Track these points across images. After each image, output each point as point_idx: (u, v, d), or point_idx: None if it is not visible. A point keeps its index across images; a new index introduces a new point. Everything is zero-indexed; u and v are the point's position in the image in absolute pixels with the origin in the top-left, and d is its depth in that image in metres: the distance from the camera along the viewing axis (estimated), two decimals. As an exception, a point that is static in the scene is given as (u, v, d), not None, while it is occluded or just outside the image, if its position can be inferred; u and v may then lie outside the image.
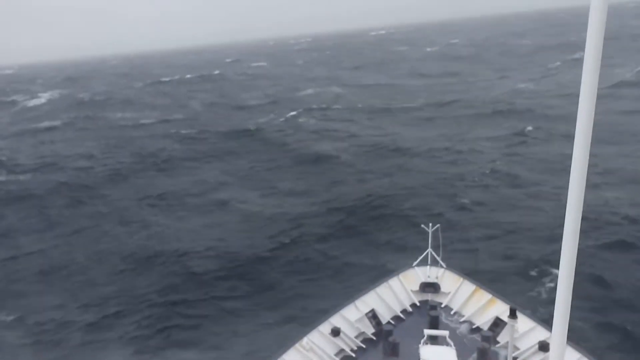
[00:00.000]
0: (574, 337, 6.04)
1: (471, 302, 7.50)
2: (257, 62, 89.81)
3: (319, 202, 16.28)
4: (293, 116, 31.53)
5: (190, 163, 22.90)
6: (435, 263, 8.04)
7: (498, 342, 6.84)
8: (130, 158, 24.19)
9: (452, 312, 7.52)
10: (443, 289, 7.81)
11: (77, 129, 35.10)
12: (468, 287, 7.66)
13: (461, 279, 7.81)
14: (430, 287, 7.82)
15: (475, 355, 6.47)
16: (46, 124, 37.54)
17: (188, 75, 69.62)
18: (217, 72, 73.40)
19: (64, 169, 23.22)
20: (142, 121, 35.74)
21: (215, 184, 19.27)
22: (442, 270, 8.01)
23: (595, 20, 1.14)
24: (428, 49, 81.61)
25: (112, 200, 18.49)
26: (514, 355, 6.06)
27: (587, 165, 1.28)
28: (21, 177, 22.25)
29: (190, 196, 18.25)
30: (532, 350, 6.54)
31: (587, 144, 1.28)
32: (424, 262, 8.08)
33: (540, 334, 6.63)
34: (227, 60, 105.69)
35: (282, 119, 30.97)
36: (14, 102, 56.86)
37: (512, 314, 5.64)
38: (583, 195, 1.26)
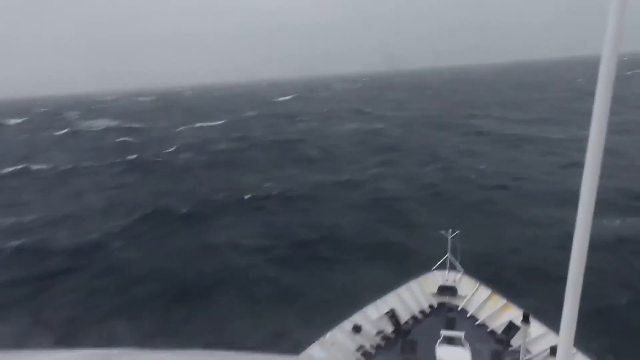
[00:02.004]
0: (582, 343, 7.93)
1: (486, 306, 9.72)
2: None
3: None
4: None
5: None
6: (453, 268, 10.42)
7: (511, 346, 8.88)
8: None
9: (467, 315, 9.73)
10: (460, 292, 10.13)
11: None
12: (484, 291, 9.94)
13: (477, 284, 10.13)
14: (448, 290, 10.15)
15: (489, 357, 8.41)
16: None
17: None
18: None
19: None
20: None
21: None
22: (460, 274, 10.39)
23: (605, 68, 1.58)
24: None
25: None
26: (525, 358, 7.77)
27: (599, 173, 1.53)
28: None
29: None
30: (544, 354, 8.51)
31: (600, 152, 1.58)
32: (442, 267, 10.50)
33: (552, 339, 8.58)
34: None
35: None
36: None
37: (525, 319, 7.72)
38: (594, 201, 1.46)
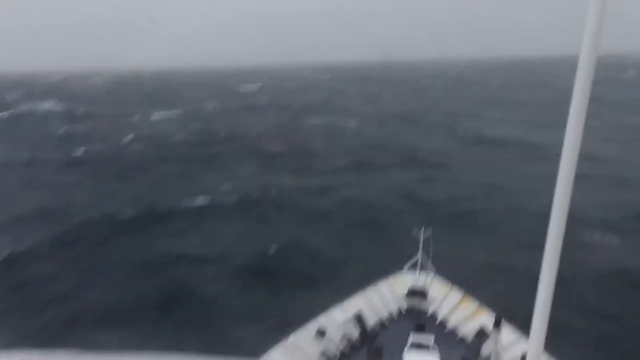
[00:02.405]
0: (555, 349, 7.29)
1: (458, 310, 9.52)
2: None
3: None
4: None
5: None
6: (424, 268, 10.23)
7: (481, 354, 8.65)
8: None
9: (438, 320, 9.50)
10: (431, 295, 9.90)
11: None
12: (455, 295, 9.74)
13: (449, 286, 9.95)
14: (418, 293, 9.89)
15: None
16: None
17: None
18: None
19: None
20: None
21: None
22: (431, 276, 10.19)
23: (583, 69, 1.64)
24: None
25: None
26: None
27: (572, 182, 1.54)
28: None
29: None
30: None
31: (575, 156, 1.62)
32: (414, 267, 10.27)
33: (524, 345, 8.40)
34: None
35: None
36: None
37: (497, 325, 7.75)
38: (566, 215, 1.53)
